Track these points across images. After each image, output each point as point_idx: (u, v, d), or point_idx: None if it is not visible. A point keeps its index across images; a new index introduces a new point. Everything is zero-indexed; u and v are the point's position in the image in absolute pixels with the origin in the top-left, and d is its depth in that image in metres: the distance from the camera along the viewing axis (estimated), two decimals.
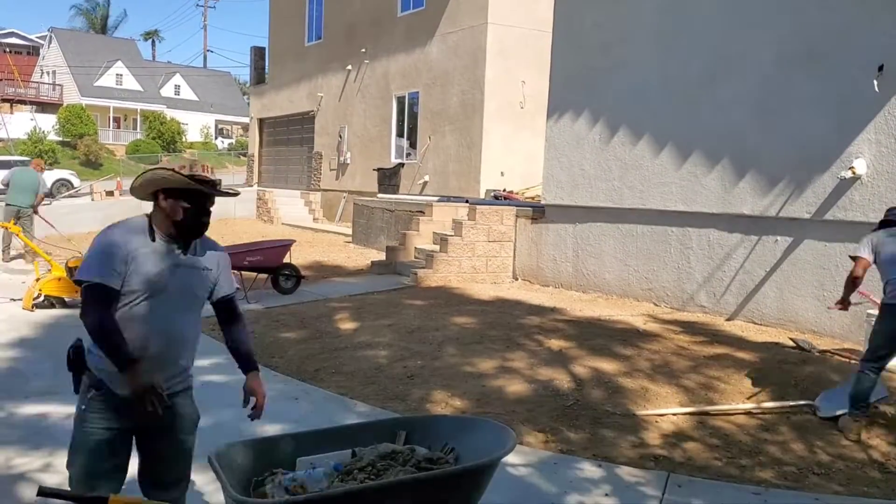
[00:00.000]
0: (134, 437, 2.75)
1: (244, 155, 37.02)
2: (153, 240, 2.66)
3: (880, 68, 6.52)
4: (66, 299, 8.56)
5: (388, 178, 16.69)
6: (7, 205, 11.95)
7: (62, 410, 4.84)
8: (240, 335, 3.04)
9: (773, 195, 7.48)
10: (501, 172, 15.08)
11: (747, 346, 6.63)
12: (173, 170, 2.70)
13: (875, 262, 4.86)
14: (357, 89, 19.59)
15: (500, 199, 13.67)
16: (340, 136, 20.28)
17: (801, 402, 5.08)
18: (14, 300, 8.73)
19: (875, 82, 6.55)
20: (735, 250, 7.87)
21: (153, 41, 73.65)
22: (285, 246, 9.60)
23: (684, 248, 8.39)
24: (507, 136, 15.14)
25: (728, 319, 7.86)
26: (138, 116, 55.24)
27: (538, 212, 10.49)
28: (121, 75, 55.93)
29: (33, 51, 60.30)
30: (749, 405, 5.12)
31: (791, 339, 6.77)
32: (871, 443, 4.55)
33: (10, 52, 56.58)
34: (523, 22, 14.97)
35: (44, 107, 52.27)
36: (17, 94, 52.73)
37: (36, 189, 12.10)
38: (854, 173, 6.72)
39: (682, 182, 8.35)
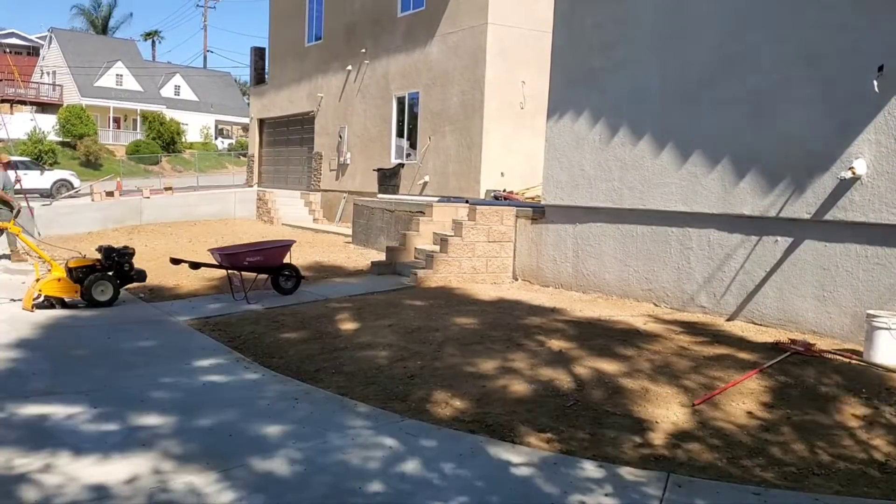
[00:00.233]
0: None
1: (244, 155, 37.04)
2: None
3: (880, 69, 6.53)
4: (66, 300, 8.56)
5: (388, 179, 16.69)
6: None
7: (62, 411, 4.85)
8: None
9: (773, 195, 7.48)
10: (501, 173, 15.09)
11: (748, 346, 6.63)
12: None
13: None
14: (357, 89, 19.59)
15: (500, 199, 13.68)
16: (340, 137, 20.29)
17: None
18: (14, 300, 8.73)
19: (875, 83, 6.55)
20: (735, 251, 7.87)
21: (153, 41, 73.75)
22: (285, 246, 9.60)
23: (684, 249, 8.39)
24: (507, 137, 15.14)
25: (728, 320, 7.87)
26: (138, 117, 55.29)
27: (538, 212, 10.49)
28: (121, 76, 55.96)
29: (33, 51, 60.34)
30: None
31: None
32: (872, 443, 4.55)
33: (10, 52, 56.58)
34: (523, 22, 14.98)
35: (44, 107, 52.32)
36: (18, 94, 52.77)
37: None
38: (854, 174, 6.72)
39: (682, 182, 8.35)
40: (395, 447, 4.33)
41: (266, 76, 26.03)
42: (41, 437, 4.39)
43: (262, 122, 26.18)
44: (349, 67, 19.80)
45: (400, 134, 18.02)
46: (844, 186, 6.88)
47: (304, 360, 6.31)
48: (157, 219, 19.18)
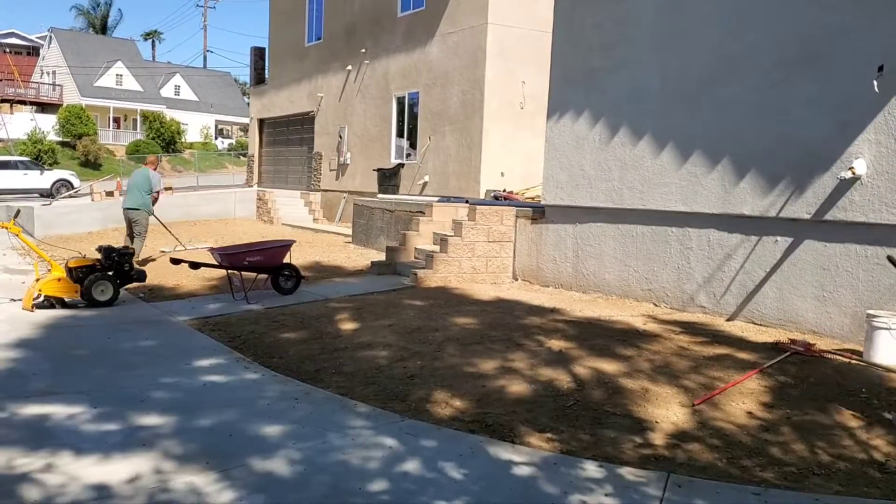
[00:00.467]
0: None
1: (244, 155, 37.04)
2: None
3: (880, 69, 6.53)
4: (66, 300, 8.57)
5: (388, 179, 16.70)
6: None
7: (62, 411, 4.85)
8: None
9: (773, 195, 7.49)
10: (501, 173, 15.09)
11: (748, 346, 6.63)
12: None
13: None
14: (357, 89, 19.60)
15: (500, 199, 13.68)
16: (340, 137, 20.29)
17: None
18: (14, 300, 8.73)
19: (875, 83, 6.55)
20: (735, 251, 7.88)
21: (153, 41, 73.79)
22: (285, 246, 9.60)
23: (684, 249, 8.40)
24: (507, 137, 15.15)
25: (728, 320, 7.87)
26: (138, 117, 55.30)
27: (538, 212, 10.49)
28: (121, 75, 55.97)
29: (33, 51, 60.33)
30: None
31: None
32: (871, 443, 4.55)
33: (10, 52, 56.60)
34: (523, 22, 14.98)
35: (44, 107, 52.32)
36: (17, 94, 52.78)
37: None
38: (854, 174, 6.72)
39: (681, 182, 8.35)
40: (395, 447, 4.33)
41: (266, 76, 26.03)
42: (42, 436, 4.39)
43: (262, 121, 26.18)
44: (349, 67, 19.80)
45: (400, 134, 18.03)
46: (844, 186, 6.88)
47: (304, 360, 6.31)
48: (157, 219, 19.14)
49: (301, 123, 23.24)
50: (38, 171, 27.91)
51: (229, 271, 9.25)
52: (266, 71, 26.10)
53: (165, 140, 49.45)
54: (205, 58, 71.75)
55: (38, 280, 8.59)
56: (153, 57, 70.48)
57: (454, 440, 4.50)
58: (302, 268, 10.16)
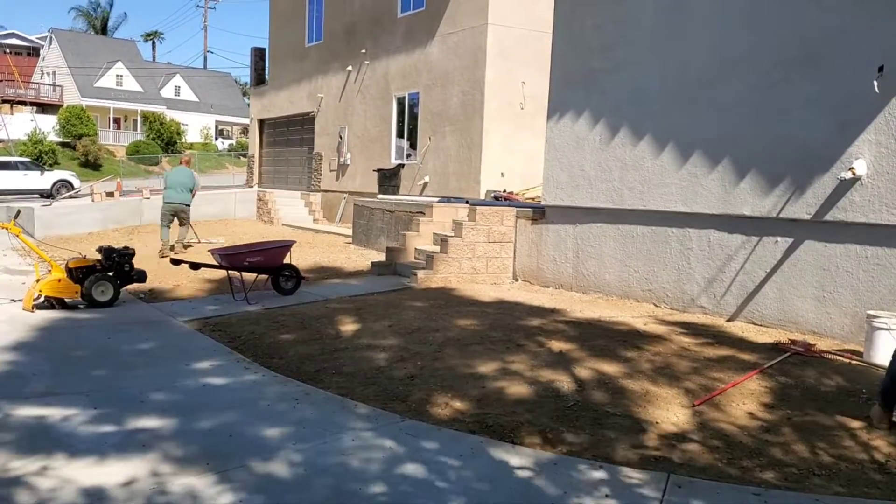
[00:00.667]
0: None
1: (244, 156, 37.05)
2: None
3: (880, 69, 6.52)
4: (67, 300, 8.57)
5: (389, 179, 16.70)
6: None
7: (62, 412, 4.85)
8: None
9: (773, 196, 7.48)
10: (502, 173, 15.09)
11: (748, 347, 6.62)
12: None
13: None
14: (357, 90, 19.59)
15: (500, 199, 13.67)
16: (340, 137, 20.29)
17: None
18: (14, 301, 8.73)
19: (875, 83, 6.55)
20: (735, 251, 7.87)
21: (153, 42, 73.81)
22: (285, 247, 9.60)
23: (684, 249, 8.39)
24: (507, 137, 15.14)
25: (728, 320, 7.86)
26: (138, 117, 55.31)
27: (538, 213, 10.49)
28: (121, 76, 55.98)
29: (33, 51, 60.36)
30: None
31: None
32: (872, 444, 4.55)
33: (11, 52, 56.63)
34: (523, 23, 14.98)
35: (44, 108, 52.33)
36: (18, 94, 52.80)
37: None
38: (854, 174, 6.72)
39: (682, 183, 8.35)
40: (396, 448, 4.32)
41: (266, 77, 26.03)
42: (40, 438, 4.38)
43: (262, 122, 26.18)
44: (349, 68, 19.80)
45: (400, 134, 18.02)
46: (844, 187, 6.88)
47: (304, 361, 6.31)
48: (157, 219, 19.12)
49: (301, 124, 23.24)
50: (39, 172, 27.91)
51: (230, 272, 9.25)
52: (266, 71, 26.10)
53: (165, 141, 49.44)
54: (205, 58, 71.82)
55: (38, 281, 8.59)
56: (153, 57, 70.54)
57: (454, 441, 4.49)
58: (302, 268, 10.16)
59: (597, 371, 5.80)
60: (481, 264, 10.44)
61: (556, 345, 6.54)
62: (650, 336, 6.96)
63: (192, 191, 14.13)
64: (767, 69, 7.53)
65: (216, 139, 61.39)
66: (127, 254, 9.01)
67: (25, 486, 3.71)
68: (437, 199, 14.00)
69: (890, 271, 6.58)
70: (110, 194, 20.30)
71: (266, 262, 9.28)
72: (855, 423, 4.82)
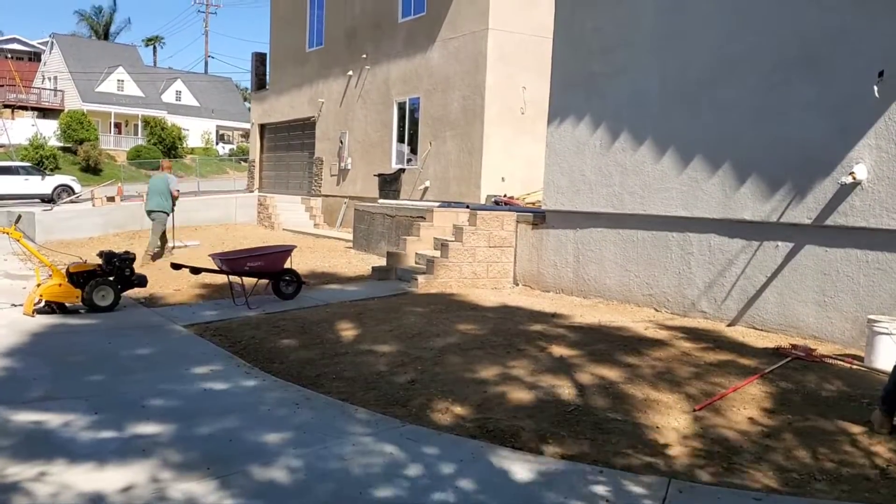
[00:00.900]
0: None
1: (245, 161, 37.09)
2: None
3: (881, 74, 6.52)
4: (67, 305, 8.57)
5: (389, 184, 16.71)
6: None
7: (61, 417, 4.84)
8: None
9: (773, 200, 7.48)
10: (502, 178, 15.10)
11: (749, 351, 6.61)
12: None
13: None
14: (358, 95, 19.62)
15: (500, 204, 13.67)
16: (341, 142, 20.31)
17: None
18: (15, 306, 8.74)
19: (875, 88, 6.55)
20: (736, 256, 7.87)
21: (154, 47, 73.96)
22: (286, 251, 9.60)
23: (685, 254, 8.39)
24: (507, 142, 15.15)
25: (729, 325, 7.85)
26: (139, 122, 55.41)
27: (539, 217, 10.48)
28: (122, 81, 56.09)
29: (35, 57, 60.50)
30: None
31: None
32: (873, 449, 4.54)
33: (12, 57, 56.76)
34: (524, 27, 15.01)
35: (45, 112, 52.42)
36: (19, 99, 52.89)
37: None
38: (854, 179, 6.72)
39: (682, 187, 8.35)
40: (396, 453, 4.32)
41: (267, 81, 26.08)
42: (40, 443, 4.38)
43: (263, 127, 26.21)
44: (350, 73, 19.83)
45: (401, 139, 18.04)
46: (845, 191, 6.87)
47: (304, 366, 6.30)
48: None
49: (302, 129, 23.27)
50: (40, 177, 27.94)
51: (230, 276, 9.25)
52: (267, 76, 26.15)
53: (166, 145, 49.49)
54: (206, 63, 71.90)
55: (39, 285, 8.59)
56: (154, 62, 70.68)
57: (455, 446, 4.48)
58: (303, 273, 10.15)
59: (597, 376, 5.79)
60: (482, 269, 10.44)
61: (557, 350, 6.53)
62: (651, 341, 6.95)
63: (171, 196, 13.68)
64: (767, 70, 7.53)
65: (217, 144, 61.47)
66: (128, 258, 9.01)
67: (24, 492, 3.70)
68: (437, 204, 14.00)
69: (891, 276, 6.57)
70: (111, 199, 20.32)
71: (266, 267, 9.28)
72: (856, 428, 4.81)
